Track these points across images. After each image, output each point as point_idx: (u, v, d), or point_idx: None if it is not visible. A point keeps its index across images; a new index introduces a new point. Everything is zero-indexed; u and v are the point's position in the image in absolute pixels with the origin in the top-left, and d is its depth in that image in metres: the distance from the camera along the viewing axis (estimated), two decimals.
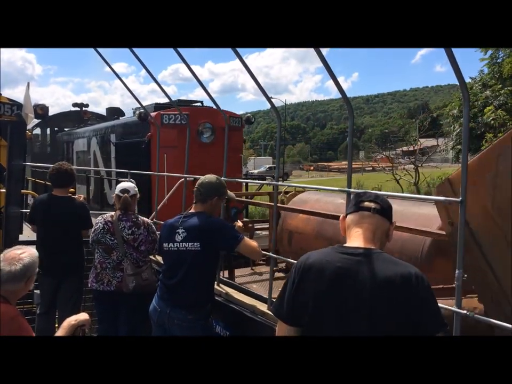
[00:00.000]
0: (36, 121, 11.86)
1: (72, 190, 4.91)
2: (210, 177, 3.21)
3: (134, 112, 8.69)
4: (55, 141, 13.01)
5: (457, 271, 2.47)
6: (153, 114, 7.20)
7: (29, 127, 8.48)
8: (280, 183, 4.07)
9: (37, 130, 13.28)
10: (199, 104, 8.85)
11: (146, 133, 7.35)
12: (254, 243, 3.20)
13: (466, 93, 2.45)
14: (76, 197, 4.60)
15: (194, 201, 3.17)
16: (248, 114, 9.18)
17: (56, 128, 13.37)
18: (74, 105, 13.32)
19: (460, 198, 2.48)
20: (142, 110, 6.75)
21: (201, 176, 3.30)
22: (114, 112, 12.14)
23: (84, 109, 13.27)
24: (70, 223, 4.14)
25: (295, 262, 1.80)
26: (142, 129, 7.60)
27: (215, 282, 3.64)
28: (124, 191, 3.77)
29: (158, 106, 8.24)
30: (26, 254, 2.30)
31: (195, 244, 2.99)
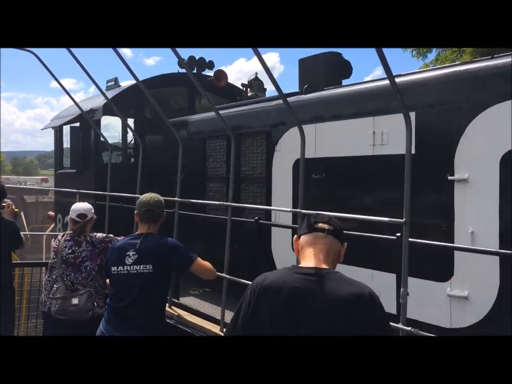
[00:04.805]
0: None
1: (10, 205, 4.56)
2: (155, 195, 3.18)
3: None
4: (155, 139, 6.46)
5: (402, 289, 2.60)
6: None
7: None
8: (234, 204, 4.05)
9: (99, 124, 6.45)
10: None
11: None
12: (207, 263, 3.17)
13: (408, 120, 2.63)
14: (3, 210, 4.39)
15: (147, 223, 3.10)
16: None
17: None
18: (182, 65, 5.24)
19: (404, 219, 2.63)
20: None
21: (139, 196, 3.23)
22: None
23: (208, 71, 5.72)
24: None
25: (250, 283, 1.81)
26: None
27: (167, 304, 3.57)
28: (81, 216, 3.65)
29: None
30: None
31: (147, 266, 2.93)
